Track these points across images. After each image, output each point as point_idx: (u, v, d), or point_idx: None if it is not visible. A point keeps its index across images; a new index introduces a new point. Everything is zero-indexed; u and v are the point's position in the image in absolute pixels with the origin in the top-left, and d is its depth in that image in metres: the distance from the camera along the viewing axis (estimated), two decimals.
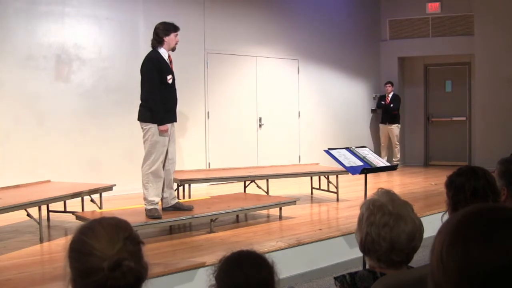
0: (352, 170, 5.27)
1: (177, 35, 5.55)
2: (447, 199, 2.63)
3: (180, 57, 7.68)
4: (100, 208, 6.35)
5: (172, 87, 5.53)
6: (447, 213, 2.67)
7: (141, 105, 5.51)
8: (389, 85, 11.79)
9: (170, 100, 5.51)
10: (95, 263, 1.45)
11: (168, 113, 5.48)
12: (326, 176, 7.78)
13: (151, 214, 5.38)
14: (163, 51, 5.50)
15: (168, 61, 5.53)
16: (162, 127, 5.38)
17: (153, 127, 5.38)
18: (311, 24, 10.92)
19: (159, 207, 5.52)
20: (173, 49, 5.57)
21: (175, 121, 5.63)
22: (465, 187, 2.55)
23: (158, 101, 5.37)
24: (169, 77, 5.47)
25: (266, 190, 7.57)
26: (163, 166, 5.53)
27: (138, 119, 5.50)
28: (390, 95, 11.78)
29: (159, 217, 5.37)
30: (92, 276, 1.45)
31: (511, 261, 0.83)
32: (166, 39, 5.48)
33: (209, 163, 9.38)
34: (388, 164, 5.90)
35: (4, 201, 5.29)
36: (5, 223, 6.13)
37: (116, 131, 8.23)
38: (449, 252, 0.89)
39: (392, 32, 12.35)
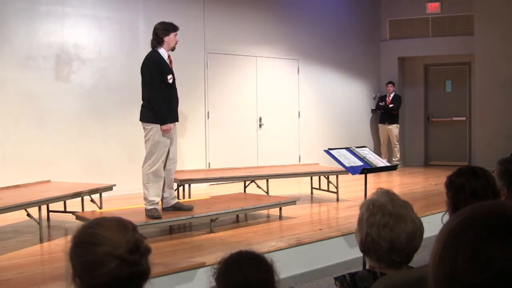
0: (352, 170, 5.27)
1: (176, 34, 5.54)
2: (447, 199, 2.63)
3: (180, 57, 7.68)
4: (100, 208, 6.35)
5: (172, 87, 5.53)
6: (447, 213, 2.66)
7: (142, 106, 5.52)
8: (391, 85, 11.80)
9: (171, 100, 5.51)
10: (108, 252, 1.45)
11: (171, 113, 5.48)
12: (326, 176, 7.78)
13: (151, 214, 5.38)
14: (163, 51, 5.50)
15: (168, 61, 5.53)
16: (165, 127, 5.36)
17: (155, 127, 5.38)
18: (311, 24, 10.92)
19: (159, 207, 5.52)
20: (172, 49, 5.57)
21: (177, 120, 5.62)
22: (465, 187, 2.54)
23: (160, 101, 5.38)
24: (169, 76, 5.47)
25: (266, 190, 7.57)
26: (164, 166, 5.54)
27: (140, 120, 5.51)
28: (392, 95, 11.78)
29: (159, 217, 5.37)
30: (104, 266, 1.44)
31: (496, 276, 0.84)
32: (166, 39, 5.48)
33: (209, 163, 9.37)
34: (388, 164, 5.90)
35: (4, 201, 5.29)
36: (5, 223, 6.13)
37: (116, 131, 8.23)
38: (440, 260, 0.91)
39: (392, 32, 12.35)
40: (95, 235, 1.49)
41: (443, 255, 0.91)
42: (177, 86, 5.66)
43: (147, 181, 5.43)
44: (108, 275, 1.44)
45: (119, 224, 1.52)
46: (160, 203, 5.63)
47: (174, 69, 5.64)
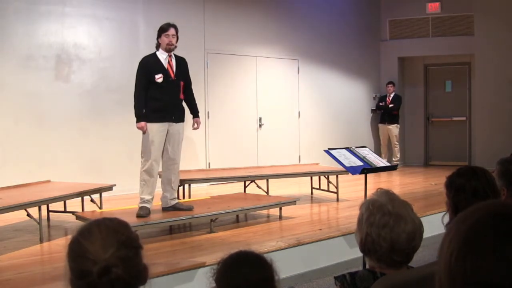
0: (352, 170, 5.27)
1: (168, 35, 5.52)
2: (447, 199, 2.62)
3: None
4: (100, 208, 6.35)
5: (163, 87, 5.50)
6: (448, 213, 2.65)
7: None
8: (391, 85, 11.81)
9: (160, 100, 5.49)
10: (87, 266, 1.44)
11: (158, 112, 5.47)
12: (326, 176, 7.78)
13: (138, 212, 5.41)
14: (161, 53, 5.56)
15: (165, 61, 5.53)
16: (137, 125, 5.45)
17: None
18: (311, 24, 10.92)
19: (151, 206, 5.54)
20: (167, 50, 5.55)
21: (171, 121, 5.56)
22: (466, 188, 2.53)
23: (136, 100, 5.47)
24: (158, 76, 5.47)
25: (266, 190, 7.57)
26: (164, 166, 5.58)
27: None
28: (392, 95, 11.79)
29: (144, 216, 5.37)
30: (84, 278, 1.44)
31: None
32: (159, 40, 5.57)
33: (209, 163, 9.37)
34: (388, 164, 5.90)
35: (4, 201, 5.29)
36: (5, 223, 6.13)
37: (116, 131, 8.23)
38: (458, 260, 0.90)
39: (392, 32, 12.35)
40: (80, 246, 1.48)
41: (462, 257, 0.90)
42: None
43: (141, 179, 5.54)
44: (88, 286, 1.44)
45: (108, 235, 1.49)
46: (160, 202, 5.67)
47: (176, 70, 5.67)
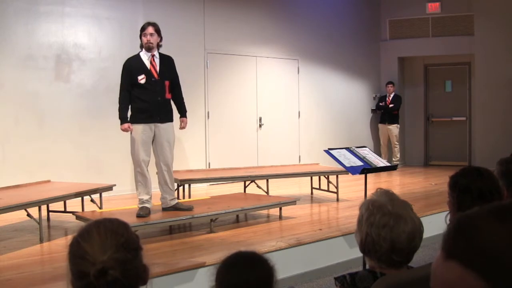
0: (352, 170, 5.27)
1: (146, 34, 5.53)
2: (450, 199, 2.58)
3: (180, 57, 7.68)
4: (100, 208, 6.35)
5: (146, 88, 5.48)
6: (450, 214, 2.63)
7: None
8: (391, 85, 11.81)
9: (144, 101, 5.48)
10: (85, 267, 1.44)
11: (142, 114, 5.47)
12: (326, 176, 7.78)
13: (138, 213, 5.43)
14: (143, 52, 5.57)
15: (147, 62, 5.52)
16: (121, 127, 5.52)
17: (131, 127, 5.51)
18: (311, 24, 10.92)
19: (151, 205, 5.55)
20: (146, 49, 5.54)
21: (157, 122, 5.53)
22: (471, 188, 2.51)
23: (120, 102, 5.54)
24: (140, 77, 5.46)
25: (266, 190, 7.57)
26: (158, 167, 5.61)
27: None
28: (392, 95, 11.79)
29: (144, 216, 5.39)
30: (82, 280, 1.45)
31: None
32: (141, 40, 5.58)
33: (209, 163, 9.37)
34: (388, 164, 5.90)
35: (4, 201, 5.29)
36: (5, 223, 6.13)
37: (116, 131, 8.15)
38: None
39: (392, 32, 12.34)
40: (79, 247, 1.48)
41: None
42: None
43: (135, 181, 5.57)
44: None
45: (106, 237, 1.48)
46: (160, 203, 5.68)
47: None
